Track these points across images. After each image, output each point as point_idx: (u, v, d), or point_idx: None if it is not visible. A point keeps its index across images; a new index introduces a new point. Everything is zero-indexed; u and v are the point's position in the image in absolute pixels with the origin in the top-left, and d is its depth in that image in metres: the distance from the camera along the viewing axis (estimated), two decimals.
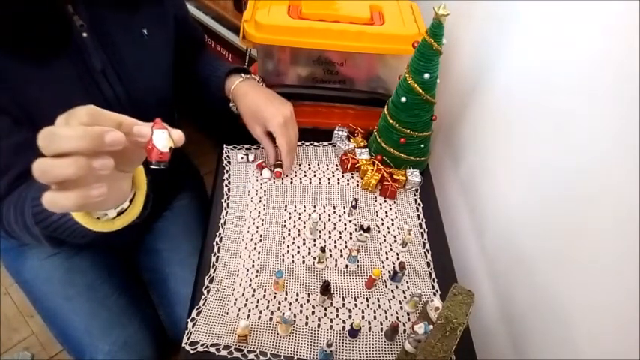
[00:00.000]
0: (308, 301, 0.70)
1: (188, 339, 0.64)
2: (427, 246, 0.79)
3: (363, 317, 0.69)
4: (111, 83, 0.67)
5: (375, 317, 0.69)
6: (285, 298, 0.70)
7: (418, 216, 0.83)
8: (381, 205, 0.84)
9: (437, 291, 0.73)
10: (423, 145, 0.84)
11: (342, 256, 0.76)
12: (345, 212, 0.82)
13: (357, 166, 0.87)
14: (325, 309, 0.69)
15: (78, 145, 0.35)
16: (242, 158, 0.87)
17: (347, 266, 0.74)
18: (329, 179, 0.87)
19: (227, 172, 0.86)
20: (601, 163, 0.55)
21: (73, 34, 0.62)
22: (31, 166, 0.34)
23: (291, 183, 0.85)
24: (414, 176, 0.85)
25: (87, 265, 0.85)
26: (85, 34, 0.63)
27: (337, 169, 0.89)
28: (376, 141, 0.86)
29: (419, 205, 0.85)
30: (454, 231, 0.90)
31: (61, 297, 0.82)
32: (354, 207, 0.80)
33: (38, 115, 0.62)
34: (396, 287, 0.73)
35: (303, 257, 0.75)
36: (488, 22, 0.84)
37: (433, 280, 0.74)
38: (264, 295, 0.70)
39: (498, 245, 0.79)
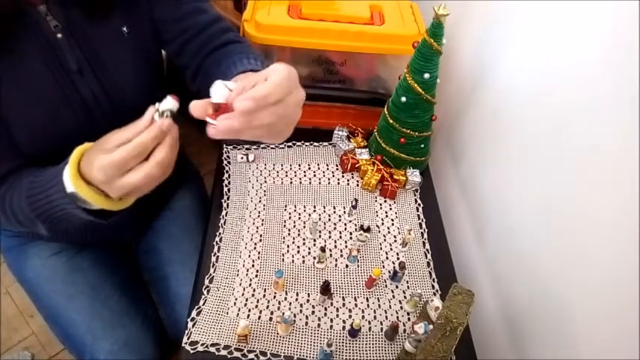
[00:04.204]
0: (308, 301, 0.70)
1: (188, 339, 0.64)
2: (427, 246, 0.79)
3: (363, 317, 0.69)
4: (88, 83, 0.66)
5: (375, 317, 0.69)
6: (285, 298, 0.70)
7: (418, 216, 0.83)
8: (381, 205, 0.84)
9: (437, 291, 0.73)
10: (423, 145, 0.84)
11: (342, 256, 0.76)
12: (345, 212, 0.82)
13: (357, 166, 0.87)
14: (325, 309, 0.69)
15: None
16: (242, 158, 0.87)
17: (347, 266, 0.74)
18: (329, 179, 0.87)
19: (227, 172, 0.86)
20: (601, 162, 0.55)
21: (46, 34, 0.61)
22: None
23: (291, 183, 0.85)
24: (414, 176, 0.85)
25: (89, 265, 0.85)
26: (59, 35, 0.62)
27: (337, 169, 0.89)
28: (376, 141, 0.86)
29: (419, 205, 0.85)
30: (454, 231, 0.90)
31: (63, 296, 0.82)
32: (354, 207, 0.80)
33: (13, 116, 0.62)
34: (396, 287, 0.73)
35: (303, 257, 0.75)
36: (488, 22, 0.84)
37: (433, 280, 0.74)
38: (264, 295, 0.70)
39: (498, 245, 0.79)
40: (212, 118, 0.47)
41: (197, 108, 0.48)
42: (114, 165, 0.49)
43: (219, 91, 0.47)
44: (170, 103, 0.50)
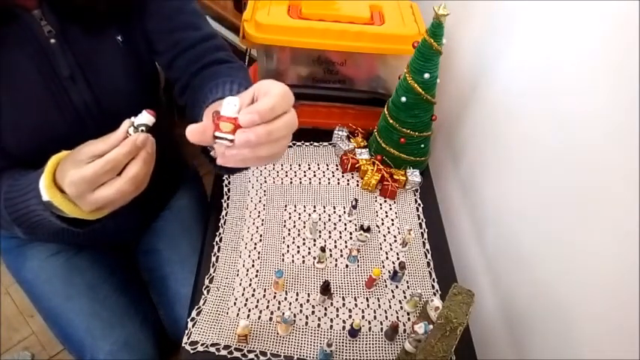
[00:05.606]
0: (308, 301, 0.70)
1: (188, 339, 0.64)
2: (427, 246, 0.79)
3: (363, 317, 0.69)
4: (80, 90, 0.66)
5: (375, 317, 0.69)
6: (285, 298, 0.70)
7: (418, 216, 0.83)
8: (381, 205, 0.84)
9: (437, 291, 0.73)
10: (423, 145, 0.84)
11: (342, 256, 0.76)
12: (345, 212, 0.82)
13: (357, 166, 0.87)
14: (325, 309, 0.69)
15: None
16: None
17: (347, 266, 0.74)
18: (329, 179, 0.87)
19: None
20: (601, 162, 0.55)
21: (39, 39, 0.61)
22: None
23: (291, 183, 0.85)
24: (414, 176, 0.85)
25: (87, 266, 0.85)
26: (52, 40, 0.62)
27: (337, 169, 0.89)
28: (376, 141, 0.86)
29: (419, 205, 0.85)
30: (454, 231, 0.90)
31: (62, 297, 0.82)
32: (354, 207, 0.80)
33: (2, 119, 0.61)
34: (396, 287, 0.73)
35: (303, 257, 0.75)
36: (488, 22, 0.84)
37: (433, 280, 0.74)
38: (264, 295, 0.70)
39: (498, 245, 0.79)
40: (228, 133, 0.43)
41: (197, 132, 0.44)
42: (85, 180, 0.48)
43: (233, 105, 0.44)
44: (145, 117, 0.49)
